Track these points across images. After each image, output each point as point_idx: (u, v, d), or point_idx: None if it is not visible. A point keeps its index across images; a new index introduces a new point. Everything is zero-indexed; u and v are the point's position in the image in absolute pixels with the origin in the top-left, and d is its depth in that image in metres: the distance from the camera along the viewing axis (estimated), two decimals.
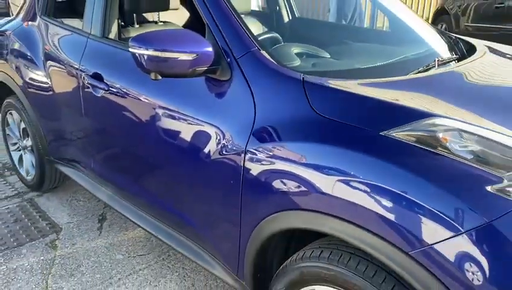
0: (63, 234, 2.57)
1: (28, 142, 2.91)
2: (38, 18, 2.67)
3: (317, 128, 1.33)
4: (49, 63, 2.47)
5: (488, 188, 1.05)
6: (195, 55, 1.50)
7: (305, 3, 7.50)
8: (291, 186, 1.33)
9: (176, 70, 1.51)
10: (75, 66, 2.22)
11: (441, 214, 1.05)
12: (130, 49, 1.51)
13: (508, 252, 1.00)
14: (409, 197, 1.10)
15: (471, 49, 2.04)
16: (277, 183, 1.36)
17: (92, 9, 2.22)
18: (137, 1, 2.29)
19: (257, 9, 3.16)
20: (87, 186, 2.45)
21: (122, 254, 2.39)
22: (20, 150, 3.10)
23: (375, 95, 1.35)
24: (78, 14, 2.41)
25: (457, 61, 1.83)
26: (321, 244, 1.37)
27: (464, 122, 1.22)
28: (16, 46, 2.80)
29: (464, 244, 1.02)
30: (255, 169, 1.42)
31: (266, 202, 1.42)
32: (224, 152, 1.52)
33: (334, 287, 1.31)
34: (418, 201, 1.09)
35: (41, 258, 2.35)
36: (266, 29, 2.75)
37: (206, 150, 1.59)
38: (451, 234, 1.03)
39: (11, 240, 2.51)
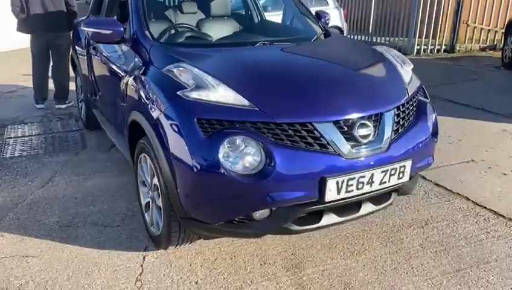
0: (86, 149, 4.18)
1: (82, 96, 4.58)
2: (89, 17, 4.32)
3: (150, 69, 2.56)
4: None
5: (179, 92, 2.17)
6: (112, 31, 2.83)
7: None
8: (137, 96, 2.57)
9: (103, 39, 2.88)
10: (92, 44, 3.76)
11: (160, 102, 2.22)
12: (82, 27, 2.92)
13: (176, 123, 2.11)
14: (156, 98, 2.28)
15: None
16: (135, 95, 2.61)
17: (104, 14, 3.74)
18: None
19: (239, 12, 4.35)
20: (98, 117, 3.97)
21: (110, 162, 3.85)
22: (81, 102, 4.80)
23: (173, 54, 2.54)
24: None
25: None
26: None
27: (193, 66, 2.32)
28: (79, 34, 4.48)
29: (160, 118, 2.17)
30: (129, 86, 2.69)
31: (131, 104, 2.67)
32: (124, 77, 2.82)
33: (143, 154, 2.51)
34: (157, 97, 2.27)
35: (68, 158, 3.96)
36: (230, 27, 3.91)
37: (119, 77, 2.91)
38: (160, 111, 2.19)
39: (57, 148, 4.18)
